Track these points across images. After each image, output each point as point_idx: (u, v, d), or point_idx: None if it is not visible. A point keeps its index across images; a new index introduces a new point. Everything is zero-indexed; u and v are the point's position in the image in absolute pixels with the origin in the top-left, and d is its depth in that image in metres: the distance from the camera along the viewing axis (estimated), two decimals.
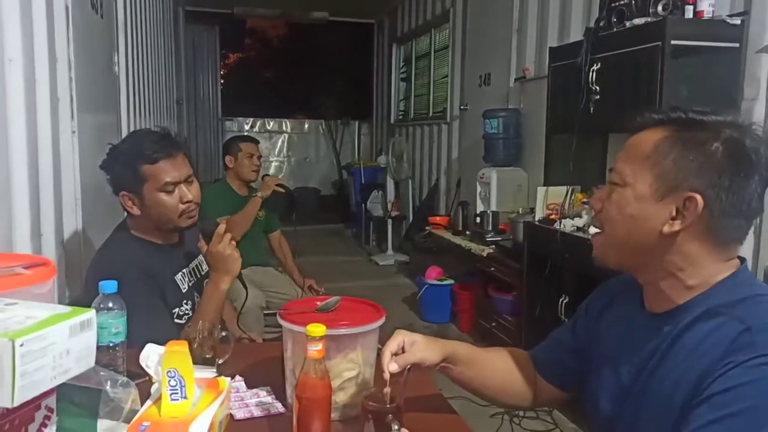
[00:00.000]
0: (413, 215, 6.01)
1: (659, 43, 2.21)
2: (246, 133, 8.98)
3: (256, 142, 3.26)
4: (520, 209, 3.50)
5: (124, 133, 2.99)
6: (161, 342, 1.26)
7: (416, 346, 1.05)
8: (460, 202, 4.34)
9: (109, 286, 1.11)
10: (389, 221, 6.07)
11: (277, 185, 3.12)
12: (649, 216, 0.85)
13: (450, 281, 4.08)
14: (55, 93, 1.73)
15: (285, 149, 9.18)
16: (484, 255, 3.49)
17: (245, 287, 1.76)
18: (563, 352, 1.13)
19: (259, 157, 3.21)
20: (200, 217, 3.22)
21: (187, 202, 1.54)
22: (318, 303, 1.22)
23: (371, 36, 8.24)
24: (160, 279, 1.56)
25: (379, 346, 1.46)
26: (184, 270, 1.66)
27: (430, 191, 5.91)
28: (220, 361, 1.28)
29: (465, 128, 5.17)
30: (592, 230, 0.92)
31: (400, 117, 7.17)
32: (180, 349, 0.97)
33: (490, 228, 3.65)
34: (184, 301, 1.62)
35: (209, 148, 8.29)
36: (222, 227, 1.56)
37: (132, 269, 1.46)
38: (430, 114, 6.14)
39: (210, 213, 3.10)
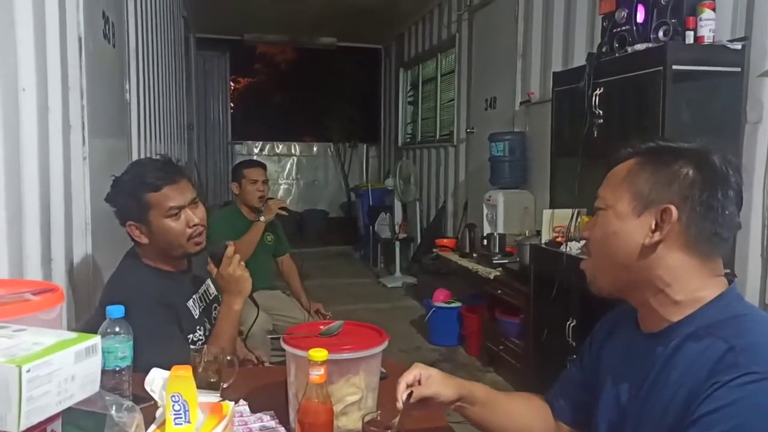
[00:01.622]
0: (421, 237, 6.03)
1: (660, 68, 2.24)
2: (254, 157, 9.08)
3: (261, 166, 3.28)
4: (527, 232, 3.50)
5: (135, 159, 3.05)
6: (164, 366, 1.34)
7: (432, 380, 1.06)
8: (467, 225, 4.35)
9: (116, 311, 1.13)
10: (397, 243, 6.08)
11: (280, 208, 3.14)
12: (631, 231, 0.90)
13: (457, 304, 4.07)
14: (67, 120, 1.78)
15: (294, 172, 9.27)
16: (491, 278, 3.49)
17: (257, 306, 1.77)
18: (576, 390, 1.14)
19: (265, 181, 3.22)
20: (208, 241, 3.26)
21: (194, 225, 1.56)
22: (321, 327, 1.23)
23: (379, 61, 8.36)
24: (175, 307, 1.57)
25: (383, 370, 1.48)
26: (194, 296, 1.67)
27: (437, 213, 5.93)
28: (225, 385, 1.29)
29: (471, 151, 5.20)
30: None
31: (408, 140, 7.23)
32: (184, 373, 0.98)
33: (497, 250, 3.65)
34: (197, 327, 1.63)
35: (219, 172, 8.40)
36: (231, 249, 1.57)
37: (147, 296, 1.48)
38: (437, 137, 6.19)
39: (218, 237, 3.14)
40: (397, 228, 6.13)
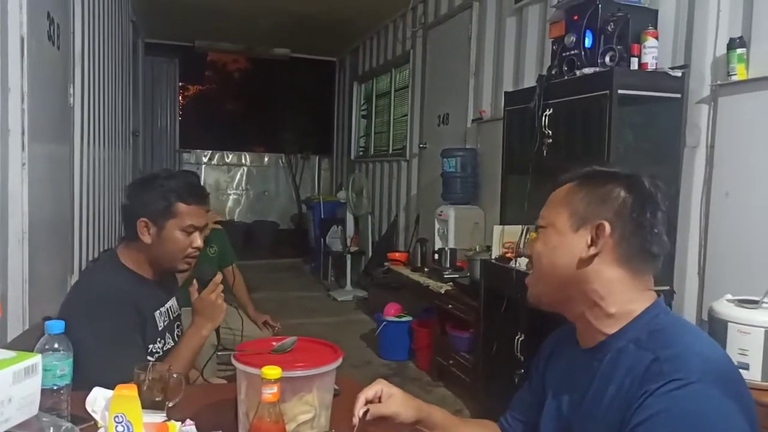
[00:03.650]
0: (372, 251, 6.02)
1: (607, 91, 2.32)
2: (201, 167, 8.89)
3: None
4: (477, 247, 3.55)
5: (78, 165, 2.93)
6: (125, 373, 1.30)
7: (393, 399, 1.07)
8: (419, 239, 4.38)
9: (55, 326, 1.07)
10: (348, 256, 6.05)
11: (215, 222, 3.07)
12: (569, 245, 0.96)
13: (408, 318, 4.08)
14: (5, 124, 1.69)
15: (244, 182, 9.11)
16: (442, 292, 3.51)
17: (218, 338, 1.76)
18: (527, 411, 1.16)
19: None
20: None
21: (195, 247, 1.62)
22: (274, 344, 1.20)
23: (333, 73, 8.36)
24: (143, 312, 1.58)
25: (336, 387, 1.45)
26: (161, 308, 1.66)
27: (389, 227, 5.94)
28: (171, 404, 1.24)
29: (424, 166, 5.26)
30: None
31: (361, 153, 7.25)
32: (128, 393, 0.94)
33: (448, 265, 3.68)
34: (158, 339, 1.62)
35: None
36: (219, 277, 1.61)
37: (122, 297, 1.51)
38: (390, 151, 6.22)
39: None
40: (348, 241, 6.10)
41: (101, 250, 3.64)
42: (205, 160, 8.93)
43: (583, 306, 0.97)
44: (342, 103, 8.00)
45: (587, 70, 2.45)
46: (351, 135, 7.43)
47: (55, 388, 1.05)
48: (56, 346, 1.06)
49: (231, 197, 8.98)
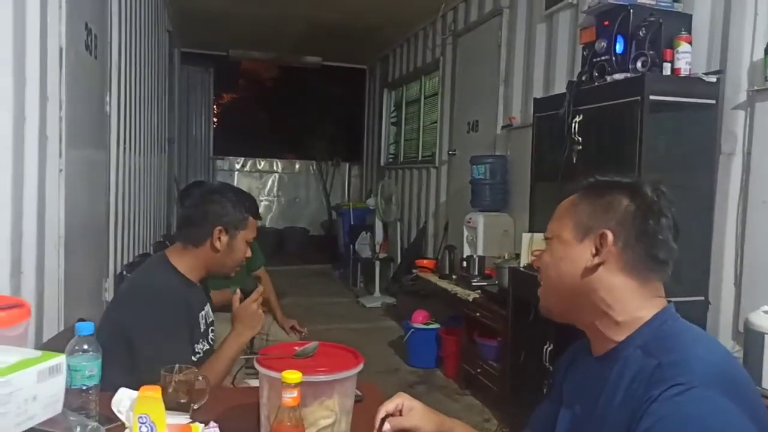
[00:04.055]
0: (401, 258, 6.02)
1: (638, 98, 2.28)
2: (234, 173, 9.04)
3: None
4: (506, 255, 3.52)
5: (113, 171, 3.02)
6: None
7: (413, 413, 1.08)
8: (447, 246, 4.36)
9: (85, 327, 1.10)
10: (377, 263, 6.06)
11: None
12: (574, 256, 0.97)
13: (436, 325, 4.05)
14: (44, 131, 1.75)
15: (275, 189, 9.23)
16: (470, 300, 3.49)
17: (252, 346, 1.87)
18: (546, 423, 1.13)
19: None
20: None
21: (246, 259, 1.79)
22: (296, 348, 1.22)
23: (363, 81, 8.42)
24: (192, 313, 1.68)
25: (358, 393, 1.46)
26: (202, 312, 1.75)
27: (418, 234, 5.93)
28: (196, 407, 1.26)
29: (453, 173, 5.24)
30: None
31: (390, 160, 7.26)
32: (153, 394, 0.96)
33: (476, 273, 3.65)
34: (201, 340, 1.71)
35: None
36: (261, 289, 1.72)
37: (176, 295, 1.62)
38: (420, 158, 6.22)
39: None
40: (377, 247, 6.11)
41: (136, 254, 3.74)
42: (237, 166, 9.08)
43: (592, 315, 0.98)
44: (372, 111, 8.04)
45: (618, 76, 2.41)
46: (381, 142, 7.46)
47: (84, 388, 1.08)
48: (86, 347, 1.09)
49: (263, 203, 9.09)
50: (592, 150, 2.59)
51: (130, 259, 3.61)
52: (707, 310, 2.42)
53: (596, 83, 2.55)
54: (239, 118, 10.62)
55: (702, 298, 2.44)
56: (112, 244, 3.04)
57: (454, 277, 3.86)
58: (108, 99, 2.79)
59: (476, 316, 3.45)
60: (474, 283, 3.55)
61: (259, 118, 10.81)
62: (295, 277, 7.24)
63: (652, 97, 2.27)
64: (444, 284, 3.87)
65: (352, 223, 6.86)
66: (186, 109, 7.84)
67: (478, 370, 3.46)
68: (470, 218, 4.08)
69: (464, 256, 3.93)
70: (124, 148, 3.22)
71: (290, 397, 0.95)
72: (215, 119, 9.53)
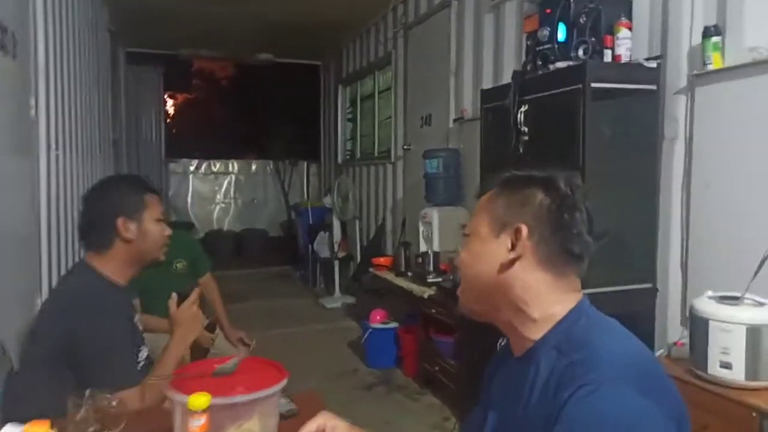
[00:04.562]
0: (360, 256, 5.94)
1: (580, 85, 2.26)
2: (189, 175, 8.79)
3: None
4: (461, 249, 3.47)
5: (44, 178, 2.85)
6: (133, 381, 1.44)
7: None
8: (403, 243, 4.30)
9: None
10: (336, 263, 5.97)
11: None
12: (491, 251, 0.96)
13: (394, 324, 3.99)
14: None
15: (232, 191, 9.03)
16: (426, 297, 3.43)
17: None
18: (480, 424, 1.09)
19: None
20: None
21: (167, 236, 1.69)
22: (216, 366, 1.13)
23: (317, 77, 8.28)
24: (129, 321, 1.61)
25: (293, 406, 1.37)
26: (136, 316, 1.68)
27: (377, 231, 5.86)
28: None
29: (409, 168, 5.18)
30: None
31: (348, 157, 7.17)
32: (39, 428, 0.86)
33: (431, 269, 3.60)
34: (141, 347, 1.64)
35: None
36: (199, 290, 1.67)
37: (110, 302, 1.54)
38: (376, 154, 6.15)
39: None
40: (336, 247, 6.01)
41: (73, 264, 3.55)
42: (192, 168, 8.84)
43: (508, 313, 0.96)
44: (328, 107, 7.92)
45: (560, 64, 2.39)
46: (337, 139, 7.35)
47: None
48: None
49: (219, 206, 8.89)
50: (539, 139, 2.56)
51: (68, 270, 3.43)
52: (655, 297, 2.42)
53: (540, 72, 2.52)
54: (194, 119, 10.36)
55: (650, 285, 2.44)
56: (45, 256, 2.87)
57: (410, 274, 3.80)
58: (33, 102, 2.61)
59: (432, 313, 3.40)
60: (429, 280, 3.50)
61: (214, 118, 10.56)
62: (255, 281, 7.09)
63: (593, 85, 2.25)
64: (400, 282, 3.81)
65: (311, 222, 6.75)
66: (135, 110, 7.56)
67: (437, 368, 3.41)
68: (425, 213, 4.03)
69: (419, 253, 3.87)
70: (57, 154, 3.04)
71: (197, 425, 0.87)
72: (168, 120, 9.25)
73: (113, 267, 1.61)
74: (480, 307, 1.00)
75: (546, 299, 0.93)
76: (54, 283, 2.96)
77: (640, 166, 2.41)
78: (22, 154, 2.50)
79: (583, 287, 2.32)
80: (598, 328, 0.92)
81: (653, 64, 2.35)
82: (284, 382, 1.06)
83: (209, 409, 0.91)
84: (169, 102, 10.20)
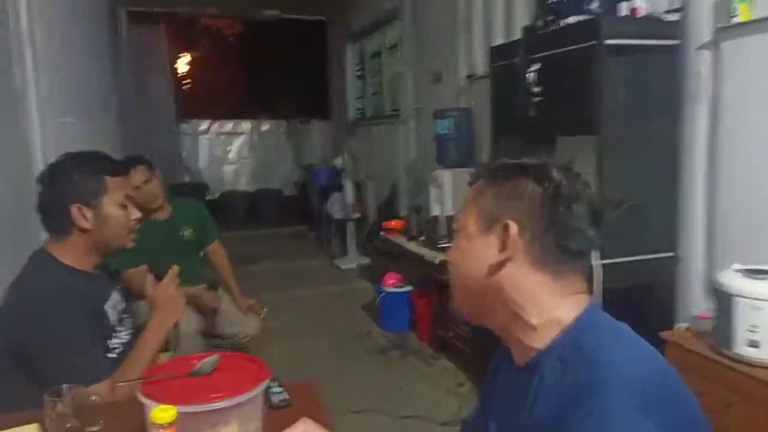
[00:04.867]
0: (374, 217, 5.87)
1: (594, 42, 2.10)
2: (200, 137, 8.72)
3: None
4: None
5: (40, 151, 2.79)
6: (98, 377, 1.33)
7: None
8: (414, 206, 4.21)
9: None
10: (350, 223, 5.91)
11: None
12: (479, 250, 0.87)
13: (408, 288, 3.95)
14: None
15: (245, 151, 8.95)
16: (437, 262, 3.36)
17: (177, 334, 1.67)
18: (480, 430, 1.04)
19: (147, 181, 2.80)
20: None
21: (136, 220, 1.55)
22: (195, 363, 1.07)
23: (325, 33, 8.04)
24: (94, 308, 1.49)
25: (285, 397, 1.32)
26: (109, 301, 1.57)
27: (390, 192, 5.77)
28: (94, 430, 1.12)
29: (421, 127, 5.04)
30: None
31: (358, 116, 7.01)
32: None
33: (443, 233, 3.52)
34: (115, 334, 1.53)
35: (167, 152, 7.98)
36: (177, 270, 1.55)
37: (72, 300, 1.40)
38: (387, 113, 5.99)
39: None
40: (349, 208, 5.95)
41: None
42: (203, 129, 8.76)
43: (504, 318, 0.87)
44: (336, 65, 7.71)
45: (572, 19, 2.22)
46: (347, 97, 7.18)
47: None
48: None
49: (232, 166, 8.83)
50: (551, 100, 2.42)
51: None
52: (677, 267, 2.31)
53: (552, 28, 2.36)
54: (203, 79, 10.20)
55: (672, 254, 2.33)
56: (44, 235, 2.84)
57: (421, 238, 3.73)
58: (16, 71, 2.53)
59: (444, 279, 3.34)
60: (439, 245, 3.41)
61: (224, 78, 10.38)
62: (270, 241, 7.10)
63: (608, 41, 2.09)
64: (411, 246, 3.73)
65: (323, 183, 6.67)
66: (142, 72, 7.43)
67: (451, 334, 3.38)
68: (436, 176, 3.91)
69: (431, 216, 3.78)
70: (52, 125, 2.98)
71: None
72: (178, 81, 9.12)
73: (73, 256, 1.48)
74: (473, 310, 0.92)
75: (544, 303, 0.84)
76: None
77: (661, 127, 2.26)
78: (7, 124, 2.43)
79: (603, 257, 2.22)
80: (607, 340, 0.81)
81: (674, 17, 2.17)
82: (266, 383, 1.00)
83: (181, 415, 0.85)
84: (178, 62, 10.03)
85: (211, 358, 1.06)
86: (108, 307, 1.55)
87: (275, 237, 7.36)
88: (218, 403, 0.93)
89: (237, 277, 3.24)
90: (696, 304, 2.23)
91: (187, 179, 8.41)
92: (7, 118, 2.45)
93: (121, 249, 1.55)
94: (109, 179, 1.48)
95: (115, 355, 1.50)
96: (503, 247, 0.84)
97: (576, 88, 2.24)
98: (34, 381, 1.29)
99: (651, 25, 2.18)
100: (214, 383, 1.00)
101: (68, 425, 1.08)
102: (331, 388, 3.03)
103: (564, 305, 0.84)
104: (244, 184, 8.84)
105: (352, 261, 5.80)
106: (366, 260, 5.71)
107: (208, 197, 8.29)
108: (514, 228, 0.83)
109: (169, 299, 1.52)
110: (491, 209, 0.86)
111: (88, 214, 1.45)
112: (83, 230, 1.45)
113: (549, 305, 0.84)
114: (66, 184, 1.45)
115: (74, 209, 1.43)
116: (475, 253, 0.86)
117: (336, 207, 6.28)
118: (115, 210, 1.49)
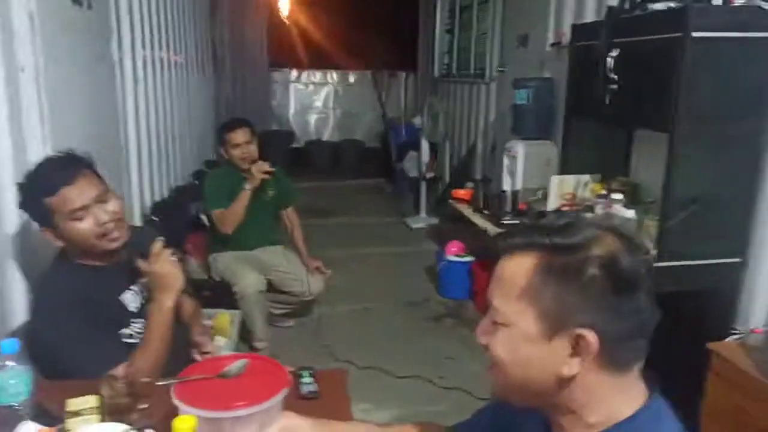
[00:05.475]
0: (450, 177, 5.83)
1: (680, 34, 1.93)
2: (289, 86, 8.91)
3: (243, 126, 3.10)
4: (540, 193, 3.28)
5: (132, 126, 3.03)
6: (107, 367, 1.36)
7: None
8: (483, 178, 4.15)
9: (7, 346, 1.10)
10: (423, 183, 5.92)
11: (265, 172, 3.06)
12: (545, 357, 0.78)
13: (470, 258, 3.96)
14: (16, 104, 1.72)
15: (331, 101, 9.06)
16: None
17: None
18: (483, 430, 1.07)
19: (249, 142, 3.07)
20: (206, 202, 3.23)
21: (104, 223, 1.48)
22: (225, 364, 1.17)
23: None
24: (102, 303, 1.53)
25: (312, 389, 1.42)
26: (131, 289, 1.61)
27: (467, 153, 5.69)
28: (143, 407, 1.26)
29: (502, 91, 4.87)
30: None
31: (444, 72, 6.85)
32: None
33: (508, 209, 3.46)
34: (132, 321, 1.58)
35: (258, 99, 8.23)
36: (159, 245, 1.51)
37: (68, 298, 1.46)
38: (472, 72, 5.82)
39: (214, 199, 3.10)
40: (424, 167, 5.93)
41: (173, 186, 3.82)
42: (292, 78, 8.93)
43: (558, 413, 0.82)
44: (427, 17, 7.51)
45: (659, 6, 2.04)
46: (434, 51, 7.02)
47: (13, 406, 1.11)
48: (9, 364, 1.10)
49: (318, 116, 8.99)
50: (629, 91, 2.28)
51: (165, 195, 3.70)
52: (741, 274, 2.17)
53: (636, 12, 2.19)
54: (294, 28, 10.25)
55: (739, 260, 2.18)
56: (135, 181, 3.10)
57: (486, 212, 3.68)
58: (116, 46, 2.72)
59: None
60: (503, 221, 3.37)
61: (314, 27, 10.38)
62: (350, 194, 7.25)
63: (696, 34, 1.92)
64: (476, 218, 3.70)
65: (403, 139, 6.67)
66: (239, 22, 7.58)
67: None
68: (510, 147, 3.81)
69: (501, 189, 3.72)
70: (146, 89, 3.21)
71: None
72: (270, 29, 9.23)
73: (78, 255, 1.53)
74: (523, 404, 0.86)
75: (609, 402, 0.78)
76: (147, 208, 3.22)
77: (746, 126, 2.07)
78: (105, 107, 2.63)
79: (662, 259, 2.11)
80: None
81: None
82: (285, 392, 1.09)
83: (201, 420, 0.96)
84: (275, 8, 10.12)
85: (240, 362, 1.16)
86: (126, 296, 1.59)
87: (355, 189, 7.51)
88: (237, 412, 1.03)
89: (308, 232, 3.45)
90: (759, 314, 2.11)
91: (274, 127, 8.68)
92: (108, 87, 2.66)
93: (105, 252, 1.52)
94: (49, 200, 1.44)
95: (135, 341, 1.54)
96: (576, 355, 0.76)
97: (655, 81, 2.09)
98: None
99: (748, 14, 1.95)
100: (240, 387, 1.09)
101: (123, 401, 1.23)
102: (382, 351, 3.17)
103: (623, 401, 0.79)
104: (328, 135, 9.01)
105: (423, 221, 5.84)
106: (436, 220, 5.73)
107: (294, 145, 8.55)
108: (593, 339, 0.74)
109: (159, 277, 1.49)
110: (557, 311, 0.76)
111: (54, 233, 1.48)
112: (60, 244, 1.50)
113: (611, 402, 0.78)
114: (28, 212, 1.51)
115: (44, 232, 1.49)
116: (540, 359, 0.78)
117: (411, 165, 6.30)
118: (71, 224, 1.45)
